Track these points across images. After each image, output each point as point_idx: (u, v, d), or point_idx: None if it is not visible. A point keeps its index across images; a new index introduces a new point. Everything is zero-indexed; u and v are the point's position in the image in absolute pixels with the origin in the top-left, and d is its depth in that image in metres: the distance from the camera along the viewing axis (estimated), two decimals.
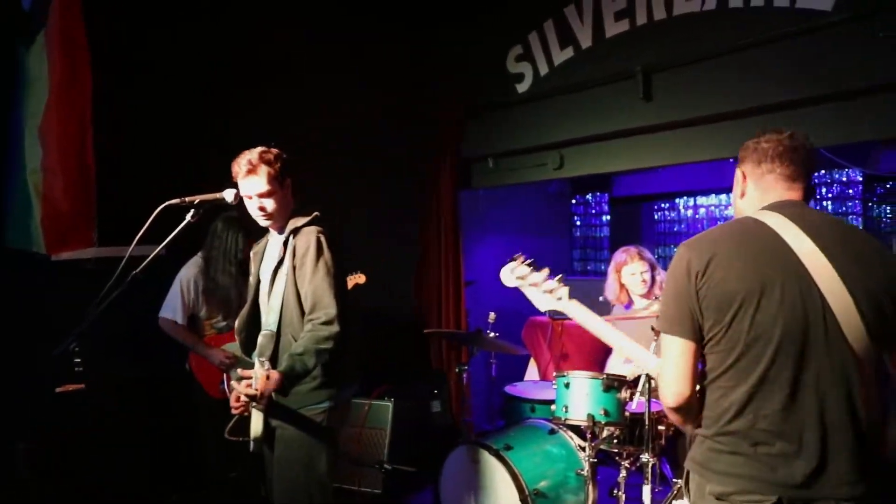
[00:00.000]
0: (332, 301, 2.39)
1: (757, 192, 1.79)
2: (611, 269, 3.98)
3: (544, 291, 2.20)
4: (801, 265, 1.60)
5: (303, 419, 2.45)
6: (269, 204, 2.48)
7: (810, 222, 1.66)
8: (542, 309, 2.23)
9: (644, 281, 3.86)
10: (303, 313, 2.45)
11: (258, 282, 2.65)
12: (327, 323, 2.37)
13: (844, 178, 5.26)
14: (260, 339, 2.53)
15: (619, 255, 3.93)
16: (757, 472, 1.61)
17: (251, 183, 2.45)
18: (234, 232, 3.49)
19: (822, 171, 5.34)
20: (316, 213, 2.56)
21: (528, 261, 2.26)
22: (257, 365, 2.36)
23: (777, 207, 1.71)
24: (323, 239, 2.46)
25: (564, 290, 2.19)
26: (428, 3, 5.01)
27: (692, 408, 1.73)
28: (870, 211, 5.46)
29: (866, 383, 1.59)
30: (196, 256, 3.55)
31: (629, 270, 3.88)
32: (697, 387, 1.73)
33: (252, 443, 2.40)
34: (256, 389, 2.25)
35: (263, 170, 2.45)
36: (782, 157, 1.75)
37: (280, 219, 2.53)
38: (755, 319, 1.60)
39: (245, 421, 2.41)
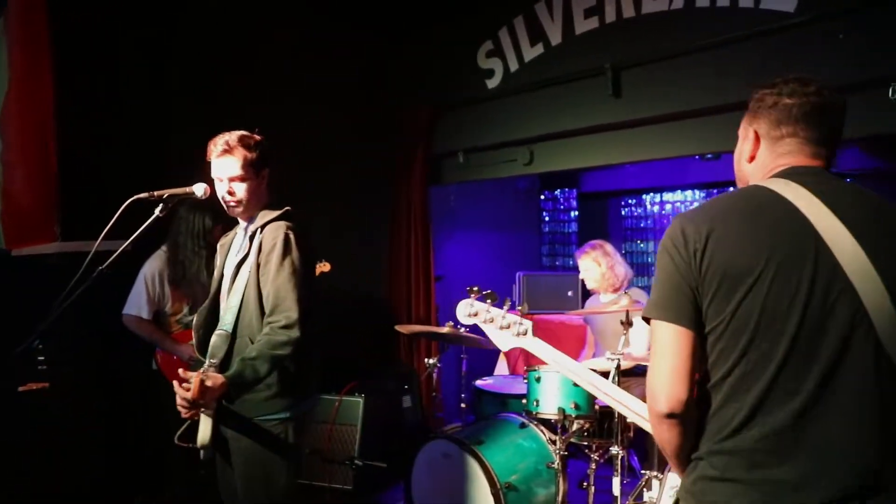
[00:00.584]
0: (295, 304, 2.21)
1: (770, 156, 1.49)
2: None
3: (501, 328, 2.01)
4: (822, 244, 1.31)
5: (259, 430, 2.28)
6: (240, 189, 2.34)
7: (834, 194, 1.36)
8: (503, 349, 2.07)
9: (591, 279, 3.98)
10: (263, 314, 2.27)
11: (221, 276, 2.49)
12: (287, 327, 2.18)
13: None
14: (213, 338, 2.33)
15: (578, 252, 4.11)
16: (766, 476, 1.31)
17: (224, 164, 2.33)
18: (201, 213, 3.36)
19: None
20: (287, 208, 2.42)
21: (485, 292, 2.07)
22: (205, 367, 2.22)
23: (792, 174, 1.41)
24: (292, 236, 2.30)
25: (527, 325, 2.00)
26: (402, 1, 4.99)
27: (687, 418, 1.39)
28: None
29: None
30: (159, 250, 3.43)
31: (580, 267, 4.04)
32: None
33: (201, 451, 2.23)
34: (190, 391, 2.06)
35: (240, 153, 2.33)
36: (809, 119, 1.46)
37: (249, 209, 2.39)
38: (764, 308, 1.31)
39: (197, 426, 2.22)
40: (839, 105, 1.49)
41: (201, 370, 2.20)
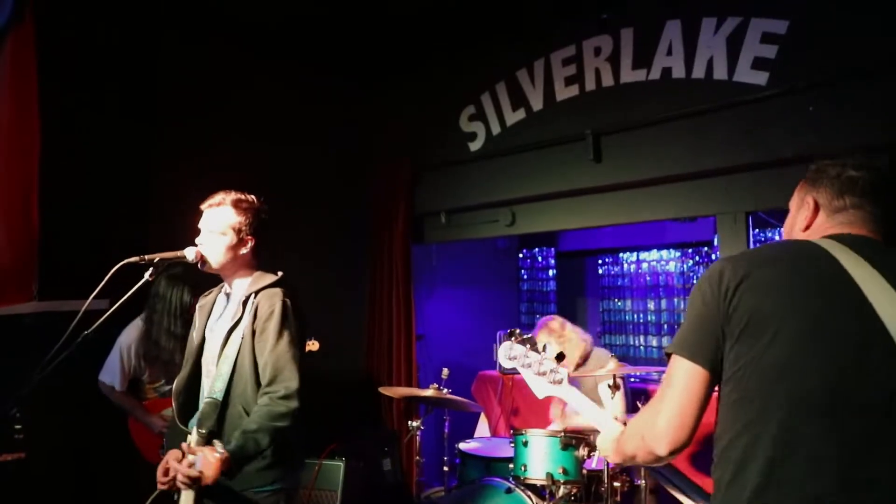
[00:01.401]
0: (294, 374, 2.18)
1: (826, 225, 1.44)
2: None
3: (538, 374, 1.96)
4: (867, 304, 1.24)
5: (249, 503, 2.20)
6: (211, 243, 2.30)
7: (885, 260, 1.30)
8: (539, 395, 1.99)
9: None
10: (257, 383, 2.22)
11: (202, 340, 2.41)
12: (286, 398, 2.14)
13: (777, 237, 5.55)
14: (202, 406, 2.26)
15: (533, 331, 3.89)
16: None
17: (209, 215, 2.33)
18: (179, 290, 3.35)
19: (756, 230, 5.63)
20: (281, 274, 2.39)
21: (525, 336, 2.04)
22: (194, 438, 2.13)
23: (845, 238, 1.37)
24: (289, 304, 2.27)
25: (563, 374, 1.94)
26: (384, 61, 5.12)
27: (681, 452, 1.37)
28: None
29: None
30: (137, 319, 3.38)
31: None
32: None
33: None
34: (200, 472, 1.99)
35: (227, 210, 2.32)
36: (875, 193, 1.40)
37: (220, 267, 2.34)
38: (785, 361, 1.25)
39: (167, 497, 2.13)
40: None
41: (189, 442, 2.12)
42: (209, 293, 2.55)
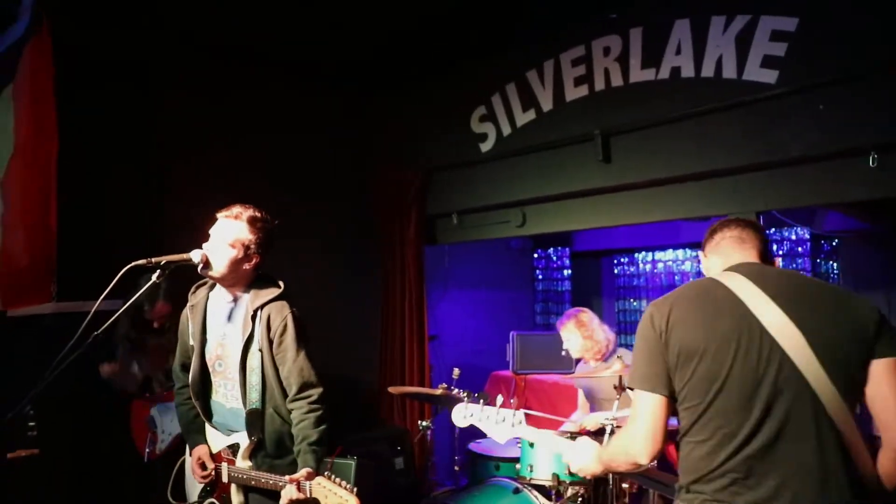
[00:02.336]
0: (318, 380, 2.47)
1: (717, 259, 1.91)
2: None
3: (497, 423, 2.21)
4: (755, 321, 1.66)
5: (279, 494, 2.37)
6: (217, 252, 2.40)
7: (767, 278, 1.74)
8: (501, 441, 2.25)
9: (573, 348, 3.91)
10: (281, 388, 2.47)
11: (204, 339, 2.55)
12: (319, 401, 2.44)
13: (794, 237, 5.50)
14: (247, 416, 2.48)
15: (557, 323, 4.01)
16: None
17: (222, 225, 2.43)
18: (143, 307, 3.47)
19: (773, 230, 5.57)
20: (281, 284, 2.54)
21: (477, 394, 2.43)
22: (244, 444, 2.42)
23: (735, 268, 1.81)
24: (297, 315, 2.49)
25: (519, 415, 2.20)
26: (396, 65, 5.15)
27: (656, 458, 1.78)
28: (818, 267, 5.70)
29: (837, 431, 1.59)
30: None
31: (562, 337, 3.97)
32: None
33: None
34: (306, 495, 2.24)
35: (240, 224, 2.42)
36: (731, 225, 1.93)
37: (220, 276, 2.44)
38: (711, 375, 1.66)
39: (184, 482, 2.33)
40: (756, 224, 1.97)
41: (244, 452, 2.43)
42: (196, 292, 2.62)
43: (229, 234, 2.41)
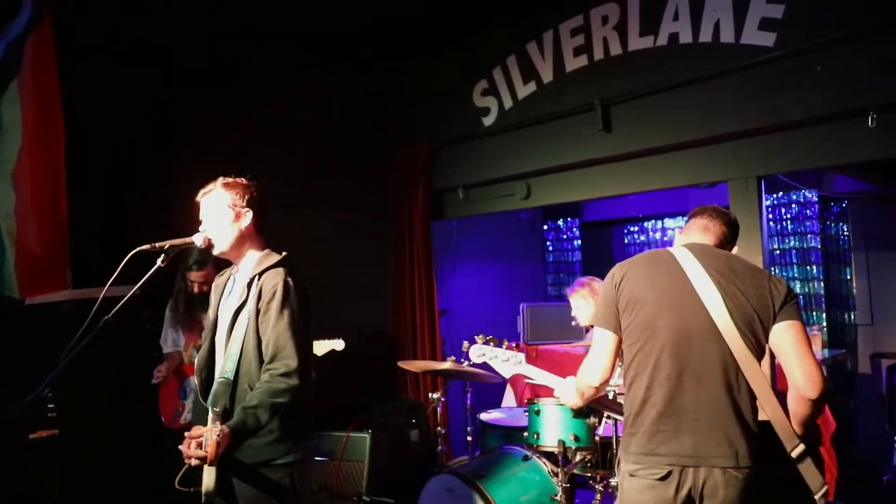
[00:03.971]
0: (294, 352, 2.26)
1: (683, 238, 2.38)
2: None
3: (503, 361, 2.89)
4: (689, 282, 2.13)
5: (262, 475, 2.30)
6: (213, 225, 2.41)
7: (706, 255, 2.20)
8: (506, 375, 2.93)
9: (583, 317, 3.96)
10: (261, 361, 2.31)
11: (216, 318, 2.51)
12: (286, 375, 2.23)
13: (802, 200, 5.46)
14: (215, 386, 2.35)
15: (568, 290, 4.08)
16: (653, 448, 2.07)
17: (205, 203, 2.45)
18: (181, 272, 3.61)
19: (781, 193, 5.54)
20: (285, 254, 2.46)
21: (488, 338, 2.95)
22: (210, 417, 2.20)
23: (688, 245, 2.28)
24: (291, 283, 2.34)
25: (521, 356, 2.90)
26: (397, 41, 5.15)
27: (603, 390, 2.38)
28: (827, 230, 5.66)
29: (740, 375, 2.05)
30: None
31: (572, 305, 4.02)
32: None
33: (203, 496, 2.16)
34: (206, 452, 2.07)
35: (218, 192, 2.44)
36: (703, 214, 2.38)
37: (225, 248, 2.44)
38: (648, 321, 2.13)
39: (197, 470, 2.18)
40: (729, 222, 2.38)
41: (207, 427, 2.19)
42: (223, 273, 2.65)
43: (213, 205, 2.43)
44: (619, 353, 2.23)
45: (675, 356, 2.08)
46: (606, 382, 2.26)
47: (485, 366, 3.08)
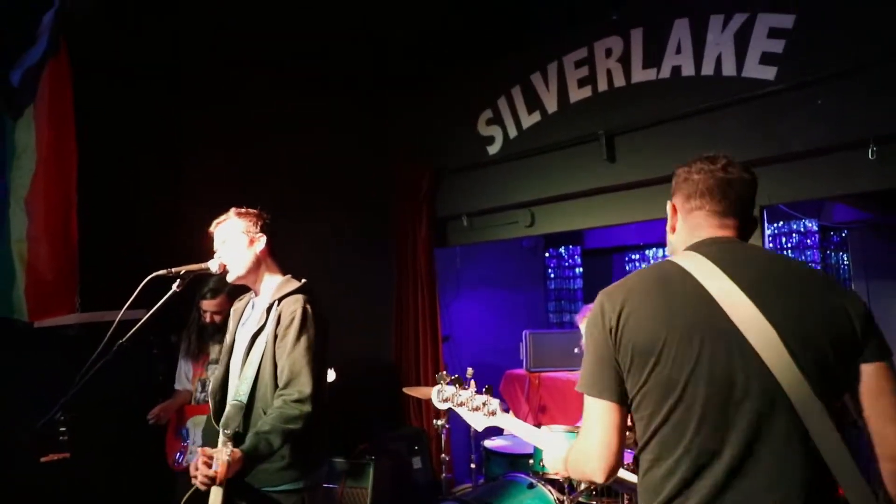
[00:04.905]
0: (309, 379, 2.27)
1: (686, 228, 1.61)
2: None
3: (473, 409, 2.09)
4: (720, 311, 1.40)
5: (271, 501, 2.30)
6: (228, 251, 2.46)
7: (736, 261, 1.46)
8: (479, 429, 2.13)
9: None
10: (276, 386, 2.32)
11: (233, 342, 2.54)
12: (299, 401, 2.23)
13: (802, 229, 5.52)
14: (228, 409, 2.34)
15: (577, 317, 3.94)
16: None
17: (218, 232, 2.51)
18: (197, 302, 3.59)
19: (781, 223, 5.60)
20: (304, 281, 2.50)
21: (452, 377, 2.14)
22: (221, 440, 2.23)
23: (701, 247, 1.53)
24: (310, 310, 2.36)
25: (495, 404, 2.07)
26: (402, 70, 5.25)
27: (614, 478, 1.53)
28: (828, 258, 5.71)
29: (809, 443, 1.34)
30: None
31: (582, 331, 3.89)
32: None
33: None
34: (216, 472, 2.08)
35: (231, 221, 2.51)
36: (712, 192, 1.56)
37: (240, 274, 2.47)
38: (671, 379, 1.40)
39: (204, 494, 2.18)
40: (747, 179, 1.57)
41: (217, 447, 2.21)
42: (242, 298, 2.69)
43: (227, 233, 2.49)
44: (624, 422, 1.50)
45: (718, 429, 1.37)
46: (615, 471, 1.50)
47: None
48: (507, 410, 2.09)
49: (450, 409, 2.15)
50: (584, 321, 3.82)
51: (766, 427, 1.36)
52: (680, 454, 1.40)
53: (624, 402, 1.49)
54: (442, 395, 2.15)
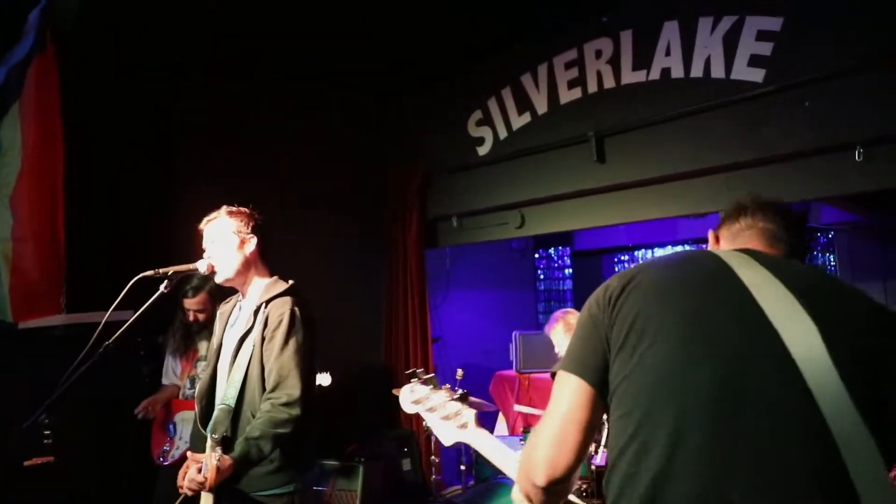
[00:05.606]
0: (297, 382, 2.25)
1: (727, 244, 1.43)
2: None
3: (444, 418, 1.72)
4: (752, 304, 1.11)
5: None
6: (214, 252, 2.42)
7: (779, 265, 1.21)
8: (446, 444, 1.73)
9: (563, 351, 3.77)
10: (264, 390, 2.30)
11: (220, 346, 2.50)
12: (288, 405, 2.22)
13: None
14: (216, 412, 2.32)
15: (546, 326, 3.72)
16: None
17: (208, 230, 2.47)
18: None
19: None
20: (292, 283, 2.48)
21: (427, 376, 1.83)
22: (209, 444, 2.21)
23: (742, 250, 1.29)
24: (298, 312, 2.34)
25: (469, 415, 1.69)
26: (394, 72, 5.23)
27: (565, 490, 1.18)
28: (815, 259, 5.76)
29: (844, 478, 0.99)
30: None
31: (552, 341, 3.66)
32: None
33: None
34: (206, 477, 2.07)
35: (221, 220, 2.46)
36: (766, 210, 1.41)
37: (229, 275, 2.44)
38: (669, 368, 1.10)
39: (194, 499, 2.17)
40: (795, 224, 1.40)
41: (206, 452, 2.20)
42: (229, 300, 2.66)
43: (217, 232, 2.45)
44: (592, 424, 1.18)
45: (719, 439, 1.04)
46: (563, 482, 1.16)
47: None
48: (482, 425, 1.69)
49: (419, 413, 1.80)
50: (553, 330, 3.72)
51: (790, 444, 1.03)
52: (661, 466, 1.06)
53: (600, 388, 1.18)
54: (413, 395, 1.83)
